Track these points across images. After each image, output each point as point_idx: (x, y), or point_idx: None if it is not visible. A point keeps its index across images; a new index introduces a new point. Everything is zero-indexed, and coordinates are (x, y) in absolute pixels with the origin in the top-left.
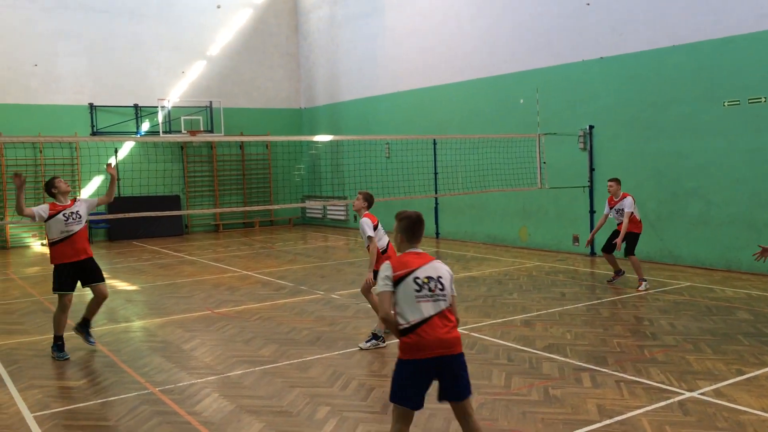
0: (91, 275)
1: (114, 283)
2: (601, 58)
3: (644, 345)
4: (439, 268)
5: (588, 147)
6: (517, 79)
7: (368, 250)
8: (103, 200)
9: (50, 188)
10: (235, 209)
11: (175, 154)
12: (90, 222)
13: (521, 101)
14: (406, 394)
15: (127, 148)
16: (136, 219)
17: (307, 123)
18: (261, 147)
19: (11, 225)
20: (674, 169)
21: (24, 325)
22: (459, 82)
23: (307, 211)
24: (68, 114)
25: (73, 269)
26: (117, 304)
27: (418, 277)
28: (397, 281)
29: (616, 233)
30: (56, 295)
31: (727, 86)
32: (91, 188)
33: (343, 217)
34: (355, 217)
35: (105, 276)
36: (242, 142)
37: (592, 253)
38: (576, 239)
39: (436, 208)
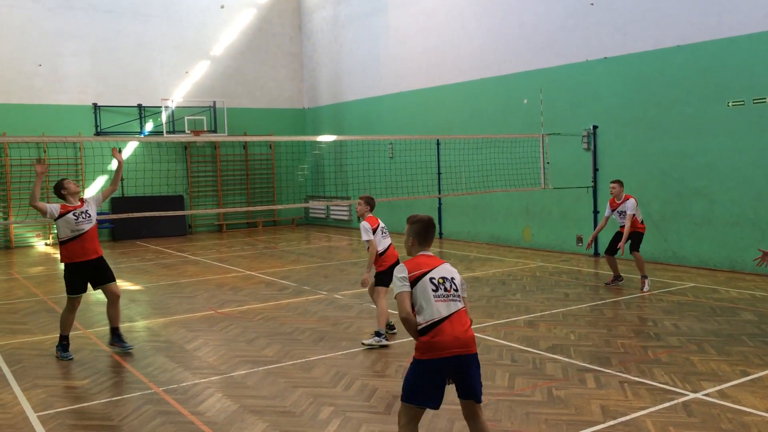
0: (102, 276)
1: (117, 283)
2: (605, 58)
3: (648, 346)
4: (451, 270)
5: (592, 147)
6: (520, 79)
7: (368, 251)
8: (108, 191)
9: (59, 190)
10: (238, 209)
11: (178, 154)
12: None
13: (525, 101)
14: (426, 393)
15: (130, 148)
16: (140, 219)
17: (310, 123)
18: (264, 147)
19: (15, 225)
20: (678, 169)
21: (27, 325)
22: (462, 82)
23: (311, 211)
24: (72, 114)
25: (83, 269)
26: (120, 304)
27: (433, 278)
28: (413, 282)
29: (618, 235)
30: (64, 296)
31: (731, 86)
32: (95, 188)
33: (346, 218)
34: (359, 218)
35: None
36: (245, 142)
37: (596, 254)
38: (579, 240)
39: (439, 209)
